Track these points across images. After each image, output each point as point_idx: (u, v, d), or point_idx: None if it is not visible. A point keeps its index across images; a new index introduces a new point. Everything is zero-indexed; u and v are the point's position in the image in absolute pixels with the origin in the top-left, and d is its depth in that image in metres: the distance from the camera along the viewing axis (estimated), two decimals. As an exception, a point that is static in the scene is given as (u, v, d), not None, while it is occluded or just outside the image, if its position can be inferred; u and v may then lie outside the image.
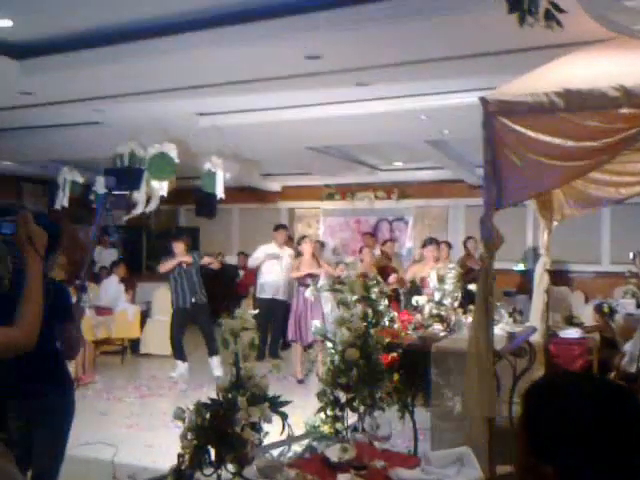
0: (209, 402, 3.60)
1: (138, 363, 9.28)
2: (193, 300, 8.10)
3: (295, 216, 13.98)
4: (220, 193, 7.88)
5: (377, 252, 9.96)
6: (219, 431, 2.71)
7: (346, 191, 13.12)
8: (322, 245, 8.14)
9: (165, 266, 8.14)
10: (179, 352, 8.29)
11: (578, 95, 3.22)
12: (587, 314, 6.96)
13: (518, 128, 3.32)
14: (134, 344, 9.56)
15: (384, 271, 9.20)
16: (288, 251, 8.96)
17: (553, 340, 5.94)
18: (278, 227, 9.15)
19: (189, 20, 4.63)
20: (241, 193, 12.66)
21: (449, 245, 9.45)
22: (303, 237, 8.52)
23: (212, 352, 8.01)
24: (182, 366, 8.27)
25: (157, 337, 9.37)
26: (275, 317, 8.79)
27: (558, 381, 1.19)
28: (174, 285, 8.13)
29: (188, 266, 8.07)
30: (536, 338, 5.51)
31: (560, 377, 1.22)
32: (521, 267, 11.22)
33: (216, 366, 7.80)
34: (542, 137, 3.25)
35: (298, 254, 9.39)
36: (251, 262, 9.18)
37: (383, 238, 12.60)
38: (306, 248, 7.91)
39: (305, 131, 7.76)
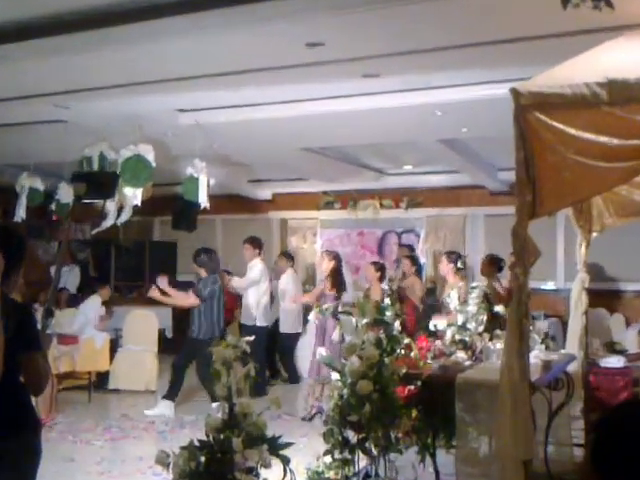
0: (198, 444, 3.59)
1: (107, 400, 9.22)
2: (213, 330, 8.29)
3: (288, 228, 13.97)
4: (203, 201, 7.87)
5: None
6: (217, 478, 2.67)
7: (347, 199, 13.11)
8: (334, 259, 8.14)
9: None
10: (176, 390, 8.26)
11: (624, 86, 3.23)
12: (630, 339, 6.98)
13: (556, 124, 3.33)
14: (102, 378, 9.50)
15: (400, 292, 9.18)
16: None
17: (593, 370, 5.94)
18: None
19: (166, 2, 4.63)
20: (226, 202, 12.65)
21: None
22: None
23: (214, 397, 7.94)
24: (167, 405, 8.22)
25: (129, 370, 9.34)
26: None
27: (633, 411, 1.18)
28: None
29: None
30: (574, 368, 5.50)
31: (634, 407, 1.21)
32: (551, 286, 11.22)
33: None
34: (584, 134, 3.26)
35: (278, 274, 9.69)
36: (246, 283, 9.28)
37: (390, 254, 12.63)
38: (322, 265, 7.99)
39: (301, 130, 7.77)
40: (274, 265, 10.58)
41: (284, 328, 9.62)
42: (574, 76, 3.38)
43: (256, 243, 9.36)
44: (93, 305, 9.47)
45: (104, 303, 9.60)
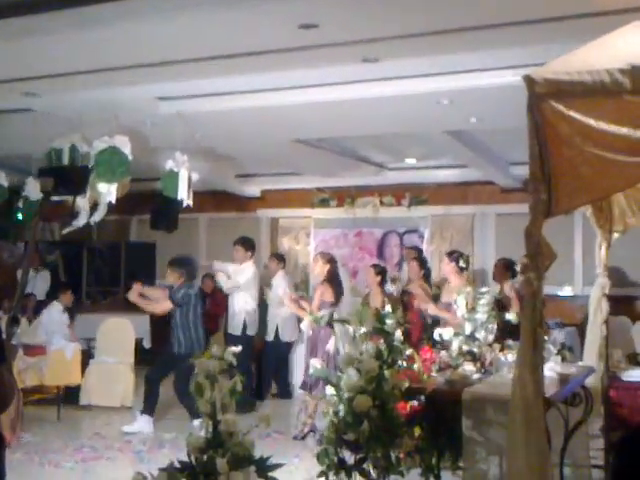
0: (178, 466, 3.60)
1: (78, 417, 9.21)
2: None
3: (279, 228, 13.99)
4: (184, 198, 7.87)
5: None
6: (200, 503, 2.68)
7: (344, 196, 13.13)
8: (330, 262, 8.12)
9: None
10: (153, 400, 8.28)
11: (649, 73, 3.24)
12: (655, 351, 6.99)
13: (573, 115, 3.34)
14: (73, 393, 9.49)
15: (406, 298, 9.18)
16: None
17: (614, 384, 5.95)
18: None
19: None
20: (210, 199, 12.67)
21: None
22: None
23: (195, 414, 7.94)
24: (146, 420, 8.23)
25: (102, 384, 9.35)
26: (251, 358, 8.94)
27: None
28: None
29: None
30: (593, 382, 5.52)
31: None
32: (568, 291, 11.25)
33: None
34: (604, 126, 3.26)
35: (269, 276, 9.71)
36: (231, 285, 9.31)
37: (391, 257, 12.64)
38: (315, 269, 7.98)
39: (294, 120, 7.79)
40: (264, 268, 10.60)
41: (285, 336, 9.64)
42: (593, 62, 3.38)
43: (248, 244, 9.39)
44: (54, 313, 9.46)
45: (68, 310, 9.58)
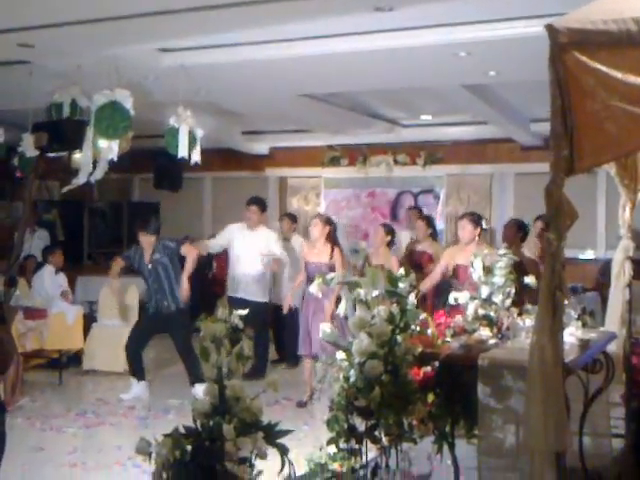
0: (183, 432, 3.64)
1: (81, 382, 9.30)
2: (166, 304, 8.30)
3: (288, 188, 14.01)
4: (186, 155, 7.80)
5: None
6: (205, 468, 2.72)
7: (356, 154, 13.12)
8: (329, 224, 8.07)
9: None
10: (136, 366, 8.37)
11: (679, 21, 3.21)
12: (680, 316, 6.99)
13: (598, 66, 3.31)
14: (75, 357, 9.59)
15: (417, 259, 9.20)
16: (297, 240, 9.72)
17: (636, 350, 5.96)
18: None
19: None
20: (216, 157, 12.65)
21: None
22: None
23: (194, 378, 7.97)
24: (138, 386, 8.32)
25: (105, 348, 9.41)
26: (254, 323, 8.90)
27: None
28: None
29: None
30: (614, 348, 5.53)
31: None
32: (590, 254, 11.26)
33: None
34: (632, 78, 3.23)
35: (285, 238, 9.68)
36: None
37: (404, 218, 12.63)
38: (315, 231, 7.91)
39: (303, 73, 7.74)
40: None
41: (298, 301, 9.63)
42: (620, 10, 3.34)
43: (264, 205, 9.44)
44: (45, 276, 9.52)
45: (60, 271, 9.66)
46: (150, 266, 8.29)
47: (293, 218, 10.36)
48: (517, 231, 8.50)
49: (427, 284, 7.35)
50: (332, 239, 7.89)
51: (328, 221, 8.00)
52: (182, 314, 8.26)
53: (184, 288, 8.20)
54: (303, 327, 7.89)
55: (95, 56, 7.03)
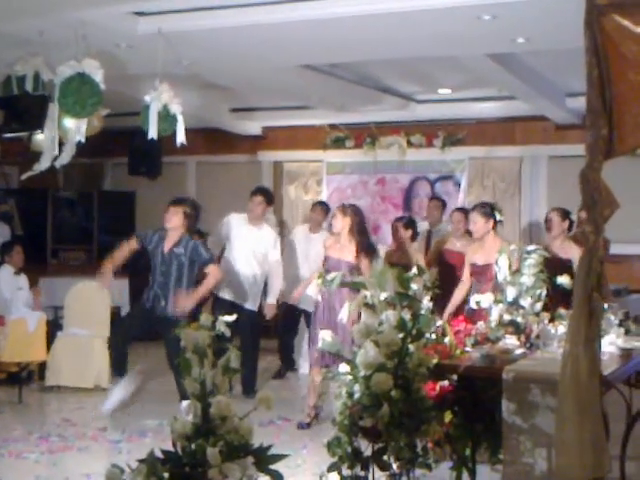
0: (161, 456, 3.64)
1: (44, 400, 9.32)
2: (162, 304, 8.22)
3: (284, 174, 13.99)
4: (155, 136, 7.69)
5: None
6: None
7: (363, 135, 13.11)
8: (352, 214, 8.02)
9: None
10: (120, 358, 8.29)
11: None
12: None
13: (642, 31, 3.31)
14: (38, 371, 9.59)
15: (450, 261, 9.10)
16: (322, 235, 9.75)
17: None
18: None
19: None
20: (200, 139, 12.67)
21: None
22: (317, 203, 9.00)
23: (185, 393, 7.90)
24: (118, 389, 8.06)
25: (72, 361, 9.41)
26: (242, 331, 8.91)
27: None
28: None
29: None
30: (662, 360, 5.53)
31: None
32: (636, 250, 11.25)
33: None
34: (681, 45, 3.24)
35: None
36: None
37: (420, 209, 12.61)
38: (337, 224, 7.89)
39: (301, 40, 7.73)
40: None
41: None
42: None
43: (271, 196, 9.53)
44: (3, 279, 9.50)
45: (20, 271, 9.64)
46: (167, 255, 8.19)
47: (327, 207, 10.47)
48: (563, 220, 8.33)
49: (450, 308, 7.34)
50: (357, 234, 7.77)
51: (348, 211, 7.87)
52: (175, 323, 8.22)
53: (188, 299, 8.10)
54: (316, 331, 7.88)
55: (60, 22, 7.02)
